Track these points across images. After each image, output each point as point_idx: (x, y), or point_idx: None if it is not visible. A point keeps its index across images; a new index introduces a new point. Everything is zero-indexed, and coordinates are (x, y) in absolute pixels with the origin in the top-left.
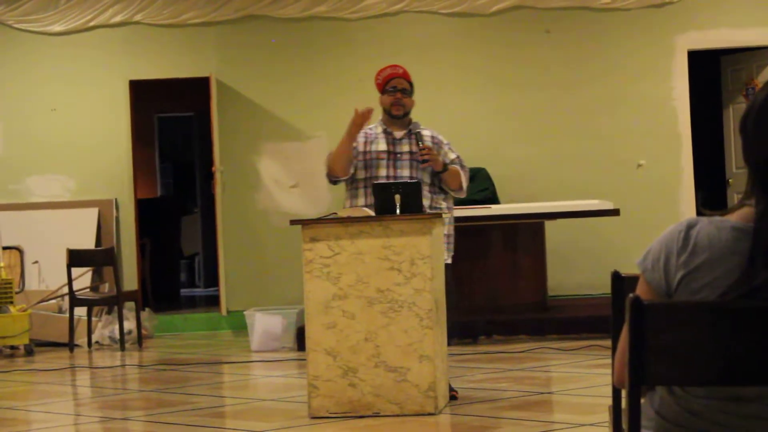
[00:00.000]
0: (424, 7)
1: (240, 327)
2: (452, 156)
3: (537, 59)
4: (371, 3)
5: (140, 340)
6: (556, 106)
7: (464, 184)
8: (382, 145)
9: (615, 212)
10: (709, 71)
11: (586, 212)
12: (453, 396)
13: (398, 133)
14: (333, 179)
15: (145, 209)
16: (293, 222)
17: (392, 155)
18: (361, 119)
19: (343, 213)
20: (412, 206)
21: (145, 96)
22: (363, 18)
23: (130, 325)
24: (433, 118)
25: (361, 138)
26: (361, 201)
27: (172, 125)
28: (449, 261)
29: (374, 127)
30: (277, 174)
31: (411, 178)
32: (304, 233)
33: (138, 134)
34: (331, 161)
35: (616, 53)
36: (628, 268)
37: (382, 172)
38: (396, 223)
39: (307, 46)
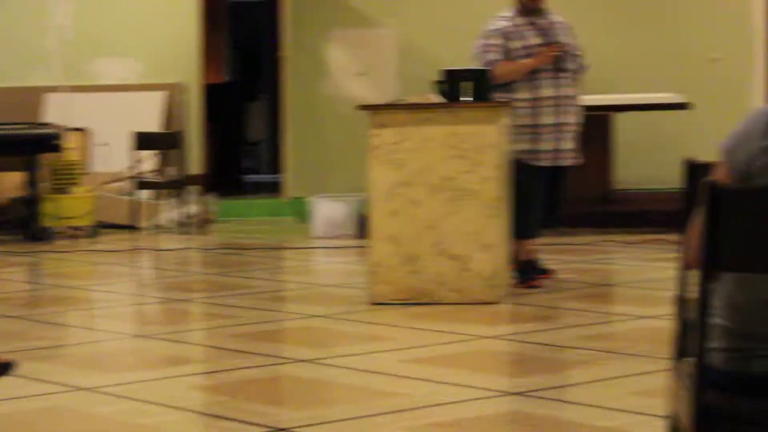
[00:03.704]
0: None
1: (303, 214)
2: (577, 41)
3: None
4: None
5: (203, 224)
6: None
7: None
8: (533, 39)
9: (684, 106)
10: None
11: (656, 105)
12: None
13: (542, 22)
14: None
15: (212, 94)
16: (361, 107)
17: (543, 47)
18: (552, 59)
19: (410, 99)
20: (481, 94)
21: None
22: None
23: (194, 209)
24: (500, 8)
25: (510, 30)
26: (523, 94)
27: (243, 10)
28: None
29: (513, 18)
30: (344, 61)
31: (569, 69)
32: (372, 119)
33: (208, 18)
34: (503, 76)
35: None
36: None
37: (545, 64)
38: (464, 110)
39: None
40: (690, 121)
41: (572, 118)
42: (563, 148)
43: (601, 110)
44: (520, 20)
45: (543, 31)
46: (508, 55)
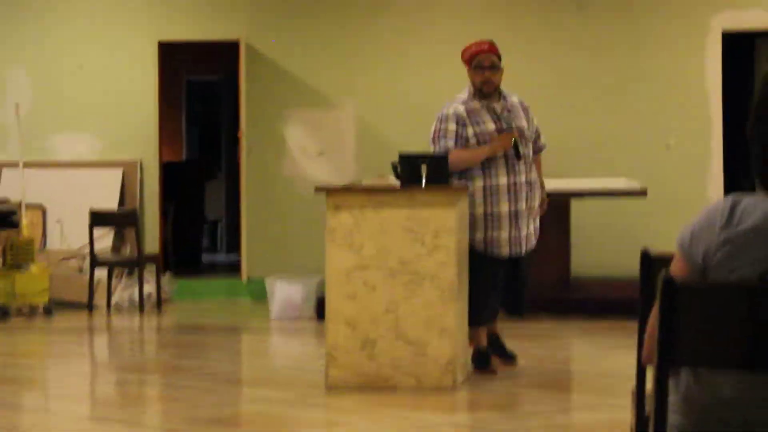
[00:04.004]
0: None
1: (260, 295)
2: (536, 122)
3: (568, 33)
4: None
5: (159, 303)
6: (585, 83)
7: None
8: (490, 125)
9: (642, 193)
10: (743, 54)
11: (613, 192)
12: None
13: (498, 107)
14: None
15: (169, 172)
16: (318, 189)
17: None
18: (508, 146)
19: (368, 182)
20: (439, 179)
21: (175, 58)
22: None
23: (149, 288)
24: (458, 88)
25: (464, 115)
26: (479, 182)
27: (201, 88)
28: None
29: (468, 101)
30: (303, 141)
31: (524, 154)
32: (329, 201)
33: (165, 96)
34: (457, 164)
35: (649, 30)
36: (654, 249)
37: (500, 152)
38: (421, 194)
39: (339, 12)
40: (648, 208)
41: (529, 205)
42: (521, 235)
43: (559, 196)
44: (476, 104)
45: (498, 116)
46: (464, 141)
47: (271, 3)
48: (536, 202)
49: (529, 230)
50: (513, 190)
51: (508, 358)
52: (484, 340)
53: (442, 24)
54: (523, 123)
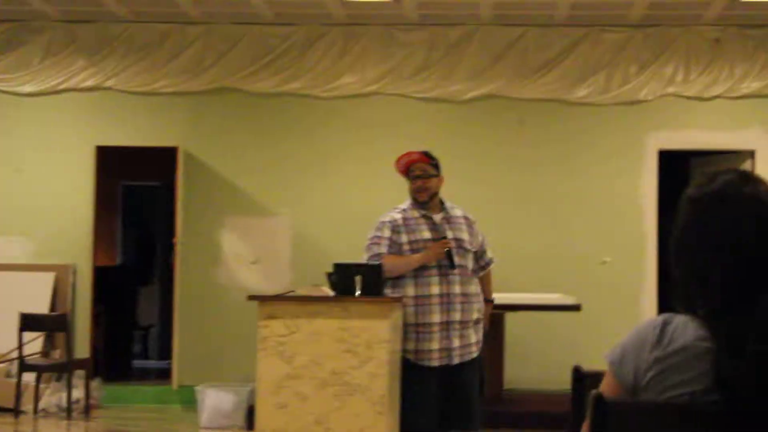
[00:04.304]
0: (397, 90)
1: (190, 402)
2: (481, 237)
3: (507, 149)
4: (345, 83)
5: (88, 409)
6: (522, 197)
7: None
8: (426, 233)
9: (576, 308)
10: (679, 172)
11: (547, 306)
12: None
13: (437, 217)
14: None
15: (103, 277)
16: (251, 297)
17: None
18: (441, 255)
19: (302, 291)
20: (373, 289)
21: (112, 163)
22: (336, 97)
23: (78, 393)
24: (394, 199)
25: (400, 223)
26: (410, 291)
27: (138, 194)
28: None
29: (407, 210)
30: (238, 249)
31: (459, 266)
32: (261, 310)
33: (102, 201)
34: (389, 270)
35: (586, 148)
36: (587, 365)
37: (432, 261)
38: (355, 304)
39: (277, 122)
40: (582, 323)
41: (463, 316)
42: (453, 346)
43: (494, 309)
44: (414, 212)
45: (436, 226)
46: (398, 248)
47: (211, 111)
48: (474, 315)
49: (465, 341)
50: (446, 301)
51: None
52: None
53: (379, 137)
54: (464, 235)
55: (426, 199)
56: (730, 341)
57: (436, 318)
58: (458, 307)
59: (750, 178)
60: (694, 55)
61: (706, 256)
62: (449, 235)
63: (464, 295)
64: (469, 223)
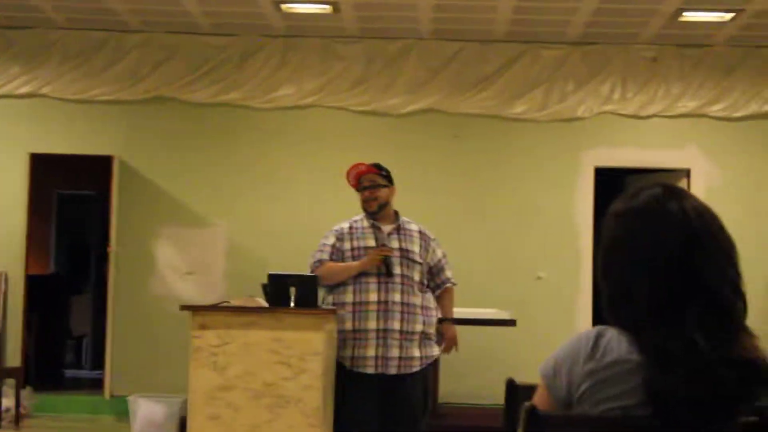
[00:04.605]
0: (335, 103)
1: (123, 413)
2: (439, 254)
3: (444, 163)
4: (283, 94)
5: (18, 419)
6: (459, 212)
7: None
8: (370, 241)
9: (511, 323)
10: (615, 189)
11: (483, 320)
12: None
13: (386, 228)
14: (324, 285)
15: (35, 285)
16: (183, 308)
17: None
18: (378, 261)
19: (236, 302)
20: (308, 300)
21: (46, 171)
22: (273, 108)
23: (8, 402)
24: (336, 216)
25: (346, 231)
26: (349, 297)
27: (72, 202)
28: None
29: (360, 220)
30: (173, 259)
31: (402, 275)
32: (194, 320)
33: (35, 208)
34: (328, 277)
35: (522, 164)
36: (521, 379)
37: (372, 269)
38: (289, 316)
39: (214, 133)
40: (517, 338)
41: (404, 326)
42: (390, 355)
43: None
44: (365, 223)
45: (383, 236)
46: (340, 255)
47: (148, 120)
48: (418, 327)
49: (406, 353)
50: (383, 308)
51: None
52: None
53: (317, 149)
54: (414, 247)
55: (375, 209)
56: (658, 355)
57: (372, 325)
58: (398, 316)
59: (674, 192)
60: (631, 74)
61: (632, 271)
62: (395, 244)
63: (406, 305)
64: (424, 238)
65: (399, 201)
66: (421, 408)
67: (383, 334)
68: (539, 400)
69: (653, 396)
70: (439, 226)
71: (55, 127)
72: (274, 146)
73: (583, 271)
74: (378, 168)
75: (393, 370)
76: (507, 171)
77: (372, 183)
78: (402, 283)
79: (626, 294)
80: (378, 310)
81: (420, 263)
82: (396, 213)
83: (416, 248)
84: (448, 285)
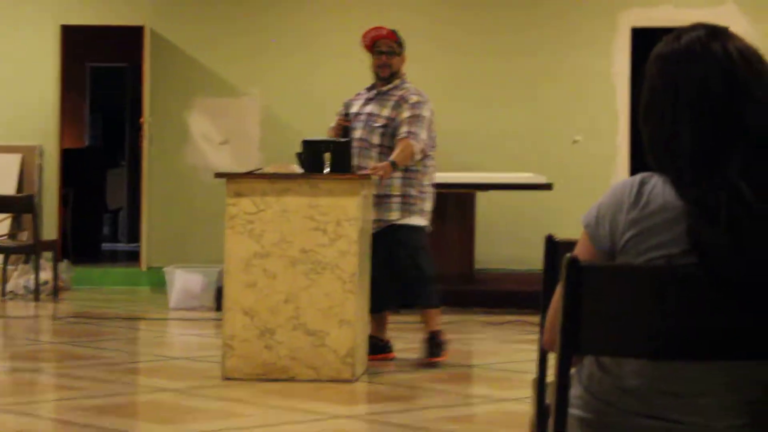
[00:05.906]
0: None
1: (160, 284)
2: (406, 114)
3: (479, 25)
4: None
5: (56, 291)
6: (493, 75)
7: (416, 155)
8: (356, 108)
9: (547, 186)
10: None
11: (519, 185)
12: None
13: (383, 89)
14: None
15: (70, 159)
16: (218, 175)
17: (357, 116)
18: (337, 130)
19: (270, 169)
20: (342, 165)
21: (78, 44)
22: None
23: (46, 275)
24: (364, 79)
25: (349, 100)
26: (354, 161)
27: (105, 75)
28: (418, 223)
29: (366, 89)
30: (207, 129)
31: (360, 139)
32: (229, 187)
33: (68, 82)
34: None
35: (558, 25)
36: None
37: (352, 134)
38: (324, 182)
39: (247, 1)
40: (553, 202)
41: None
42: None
43: (464, 188)
44: (368, 90)
45: (368, 101)
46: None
47: None
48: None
49: (378, 214)
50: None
51: (388, 351)
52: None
53: (352, 14)
54: (382, 111)
55: (387, 75)
56: (701, 205)
57: None
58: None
59: (718, 33)
60: None
61: (673, 116)
62: (366, 109)
63: (360, 168)
64: (399, 102)
65: (436, 62)
66: (408, 264)
67: None
68: (581, 251)
69: (697, 245)
70: (474, 91)
71: None
72: (308, 16)
73: (621, 133)
74: (396, 35)
75: (374, 230)
76: (542, 32)
77: (390, 49)
78: (360, 147)
79: (668, 140)
80: None
81: (383, 126)
82: (400, 79)
83: (385, 112)
84: (402, 136)
